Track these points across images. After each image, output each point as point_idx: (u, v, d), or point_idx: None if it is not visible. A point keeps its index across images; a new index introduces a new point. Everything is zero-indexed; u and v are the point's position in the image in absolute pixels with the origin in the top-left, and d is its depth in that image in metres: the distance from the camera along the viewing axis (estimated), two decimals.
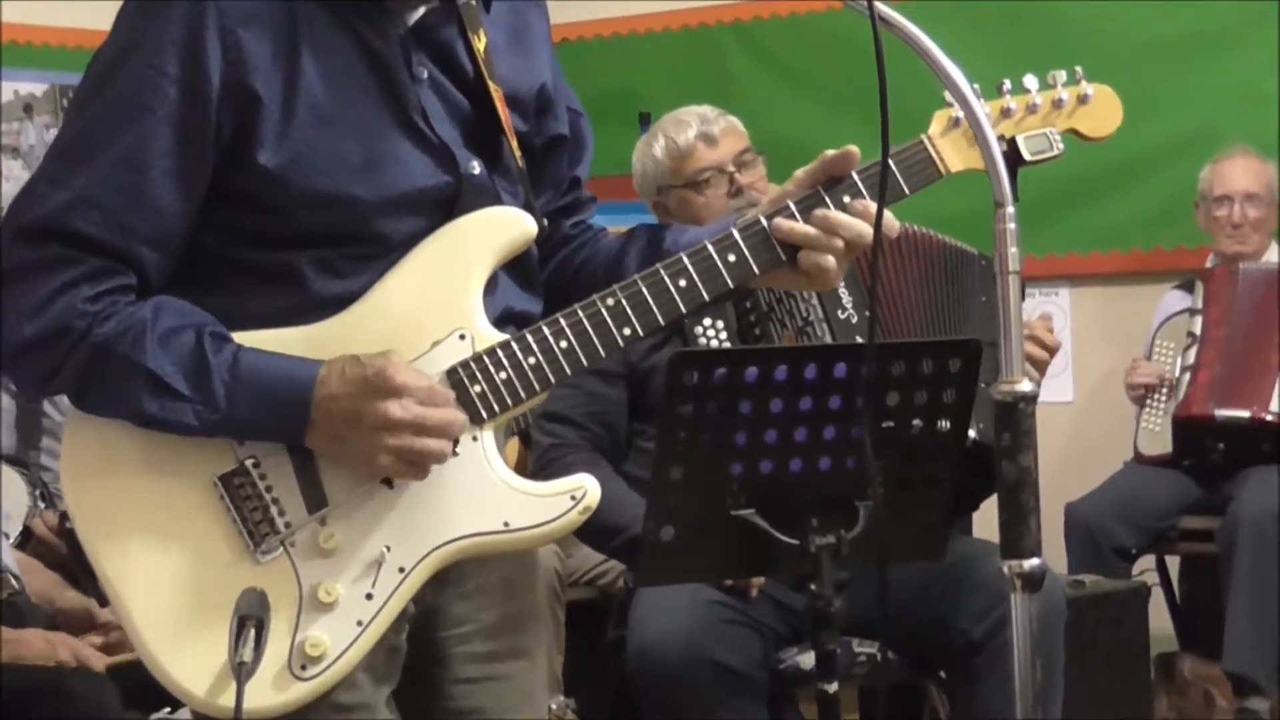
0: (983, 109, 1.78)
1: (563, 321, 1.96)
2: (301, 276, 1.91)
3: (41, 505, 4.11)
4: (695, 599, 3.29)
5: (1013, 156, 2.11)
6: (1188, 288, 4.88)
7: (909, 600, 3.24)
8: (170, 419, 1.85)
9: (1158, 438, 4.74)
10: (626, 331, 1.99)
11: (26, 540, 3.96)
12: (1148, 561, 4.76)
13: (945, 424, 2.63)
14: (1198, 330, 4.75)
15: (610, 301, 1.97)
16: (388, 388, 1.83)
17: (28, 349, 1.86)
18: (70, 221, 1.85)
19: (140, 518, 1.89)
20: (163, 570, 1.87)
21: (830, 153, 2.04)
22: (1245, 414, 4.60)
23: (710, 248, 2.01)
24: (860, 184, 2.04)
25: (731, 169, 3.56)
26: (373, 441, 1.84)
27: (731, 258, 2.03)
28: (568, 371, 1.96)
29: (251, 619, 1.83)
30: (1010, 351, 1.69)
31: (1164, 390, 4.77)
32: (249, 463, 1.89)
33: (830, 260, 2.02)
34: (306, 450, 1.88)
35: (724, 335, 3.39)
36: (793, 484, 2.52)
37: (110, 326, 1.85)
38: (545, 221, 2.03)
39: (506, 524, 1.92)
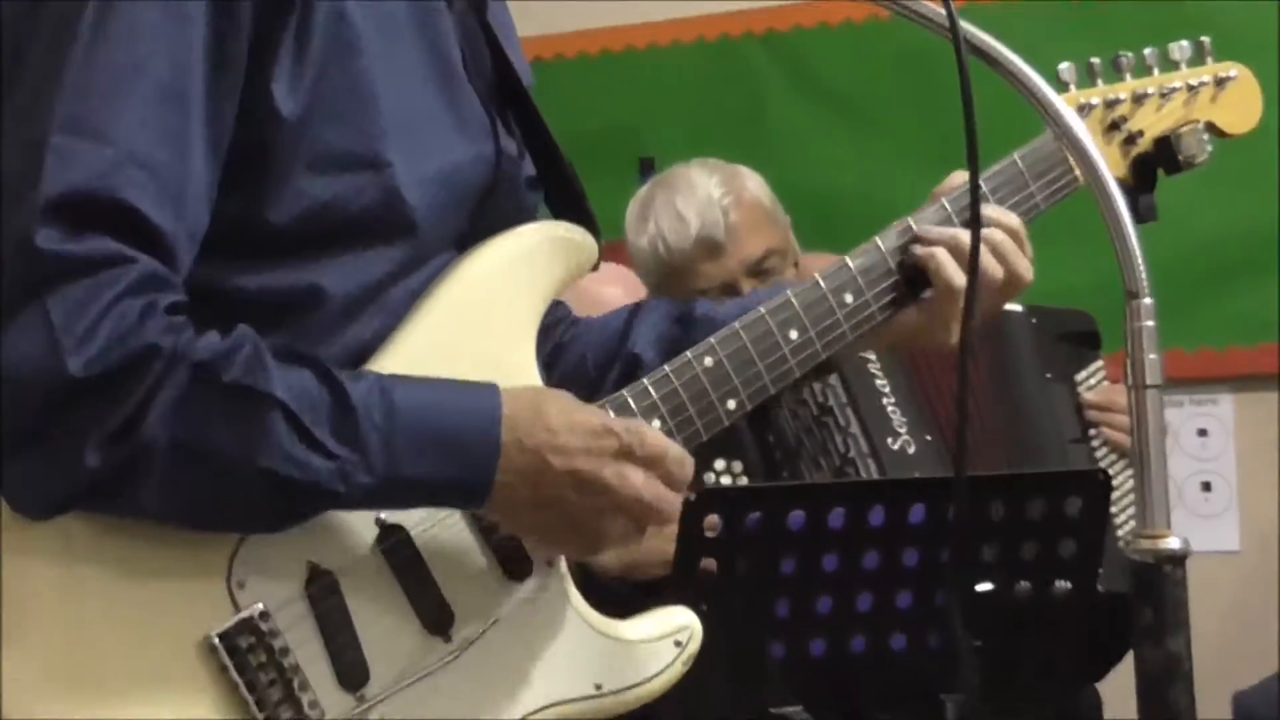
0: (1100, 152, 1.80)
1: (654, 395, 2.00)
2: (320, 294, 1.89)
3: None
4: None
5: (1158, 160, 2.16)
6: None
7: None
8: (304, 481, 1.76)
9: None
10: (731, 404, 2.03)
11: None
12: None
13: (1064, 585, 2.64)
14: None
15: (709, 361, 2.01)
16: (641, 450, 1.86)
17: (77, 397, 1.70)
18: (116, 185, 1.74)
19: (94, 696, 1.78)
20: None
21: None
22: None
23: (822, 283, 2.08)
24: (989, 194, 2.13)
25: (744, 286, 3.56)
26: (598, 521, 1.86)
27: (849, 297, 2.09)
28: None
29: None
30: (1153, 493, 1.70)
31: None
32: (256, 614, 1.83)
33: (962, 280, 2.06)
34: (331, 593, 1.86)
35: (743, 479, 3.37)
36: (855, 671, 2.54)
37: (208, 345, 1.75)
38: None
39: (599, 686, 1.95)
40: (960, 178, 2.15)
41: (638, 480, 1.85)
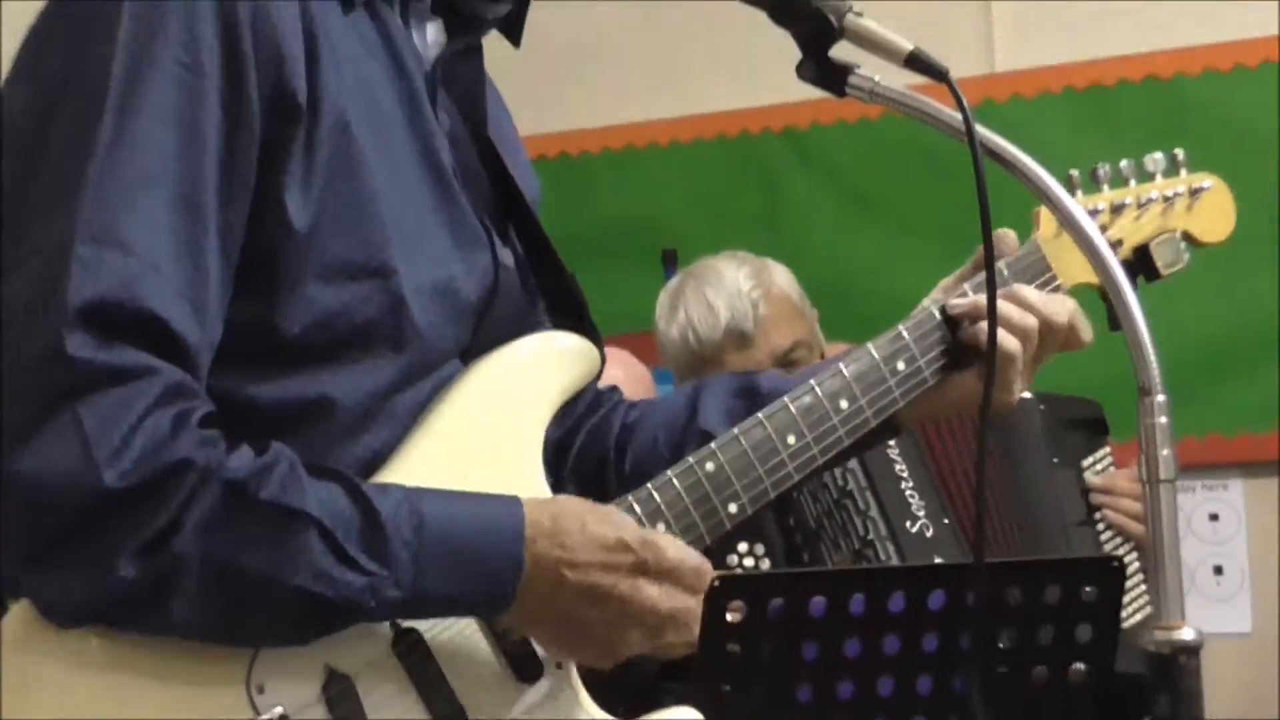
0: (1123, 273, 1.81)
1: (658, 499, 2.00)
2: (331, 405, 1.89)
3: None
4: None
5: (1140, 266, 2.17)
6: None
7: None
8: (334, 598, 1.77)
9: None
10: (733, 508, 2.04)
11: None
12: None
13: (1080, 668, 2.64)
14: None
15: (710, 466, 2.02)
16: (657, 565, 1.87)
17: (110, 509, 1.70)
18: (140, 293, 1.74)
19: None
20: None
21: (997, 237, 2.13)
22: None
23: (874, 353, 2.12)
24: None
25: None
26: (616, 632, 1.88)
27: (901, 364, 2.12)
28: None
29: None
30: (1167, 585, 1.70)
31: None
32: (274, 717, 1.82)
33: (1016, 344, 2.08)
34: (348, 694, 1.85)
35: (765, 562, 3.38)
36: None
37: (243, 460, 1.76)
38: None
39: None
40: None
41: (653, 594, 1.87)
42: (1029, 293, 2.10)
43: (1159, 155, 2.22)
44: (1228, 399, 5.16)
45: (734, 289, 3.60)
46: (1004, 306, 2.08)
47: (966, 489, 3.32)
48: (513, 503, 1.86)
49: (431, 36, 2.04)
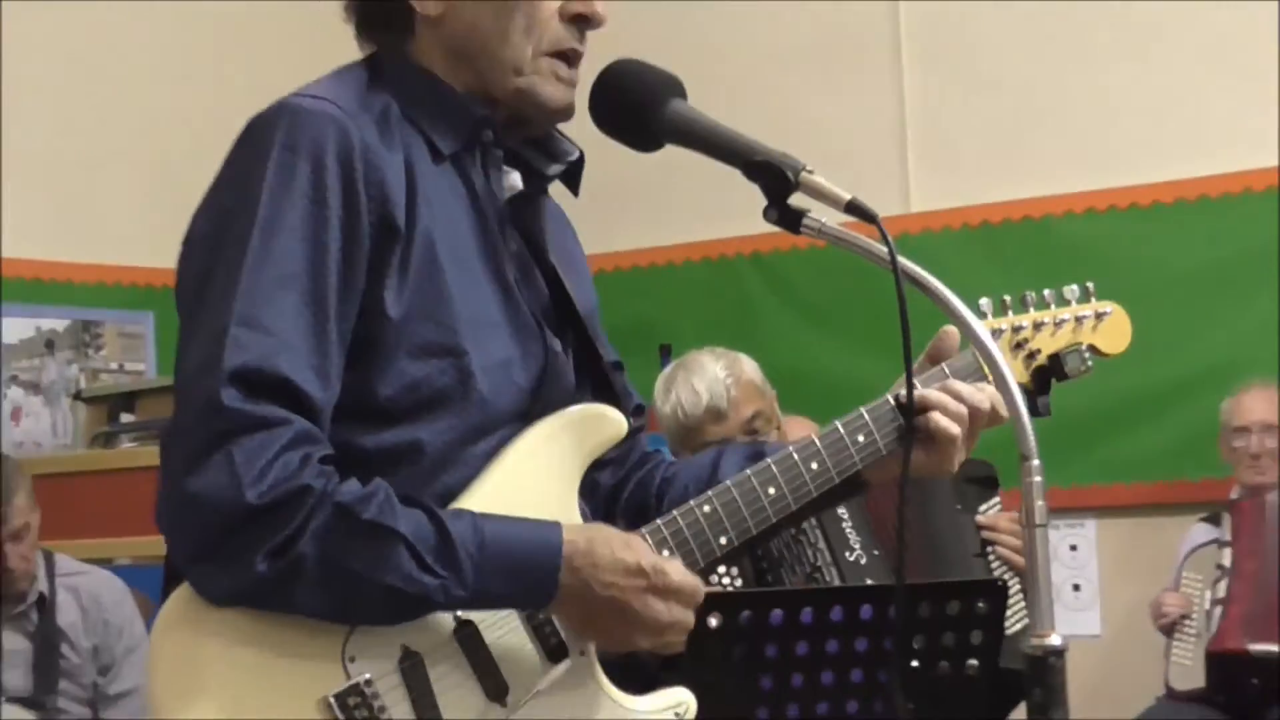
0: (1006, 364, 1.80)
1: (665, 532, 1.97)
2: (420, 449, 1.89)
3: None
4: None
5: (1051, 371, 2.16)
6: (1214, 520, 4.91)
7: None
8: (415, 593, 1.78)
9: (1189, 672, 4.71)
10: (723, 540, 2.00)
11: None
12: None
13: (973, 664, 2.62)
14: (1227, 562, 4.76)
15: (707, 508, 1.99)
16: (663, 586, 1.85)
17: (252, 521, 1.73)
18: (277, 363, 1.77)
19: None
20: None
21: (940, 335, 2.11)
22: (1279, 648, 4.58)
23: (841, 428, 2.05)
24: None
25: (741, 439, 3.51)
26: (627, 634, 1.87)
27: (861, 438, 2.07)
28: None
29: None
30: (1040, 603, 1.69)
31: (1194, 623, 4.75)
32: (361, 681, 1.82)
33: (955, 428, 2.04)
34: (418, 668, 1.85)
35: (738, 581, 3.38)
36: None
37: (350, 490, 1.77)
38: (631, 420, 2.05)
39: None
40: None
41: (660, 608, 1.85)
42: (960, 386, 2.08)
43: (1075, 286, 2.22)
44: (1086, 459, 5.16)
45: (712, 377, 3.59)
46: (942, 398, 2.06)
47: (891, 528, 3.31)
48: (554, 527, 1.85)
49: (509, 181, 2.03)
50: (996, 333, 2.16)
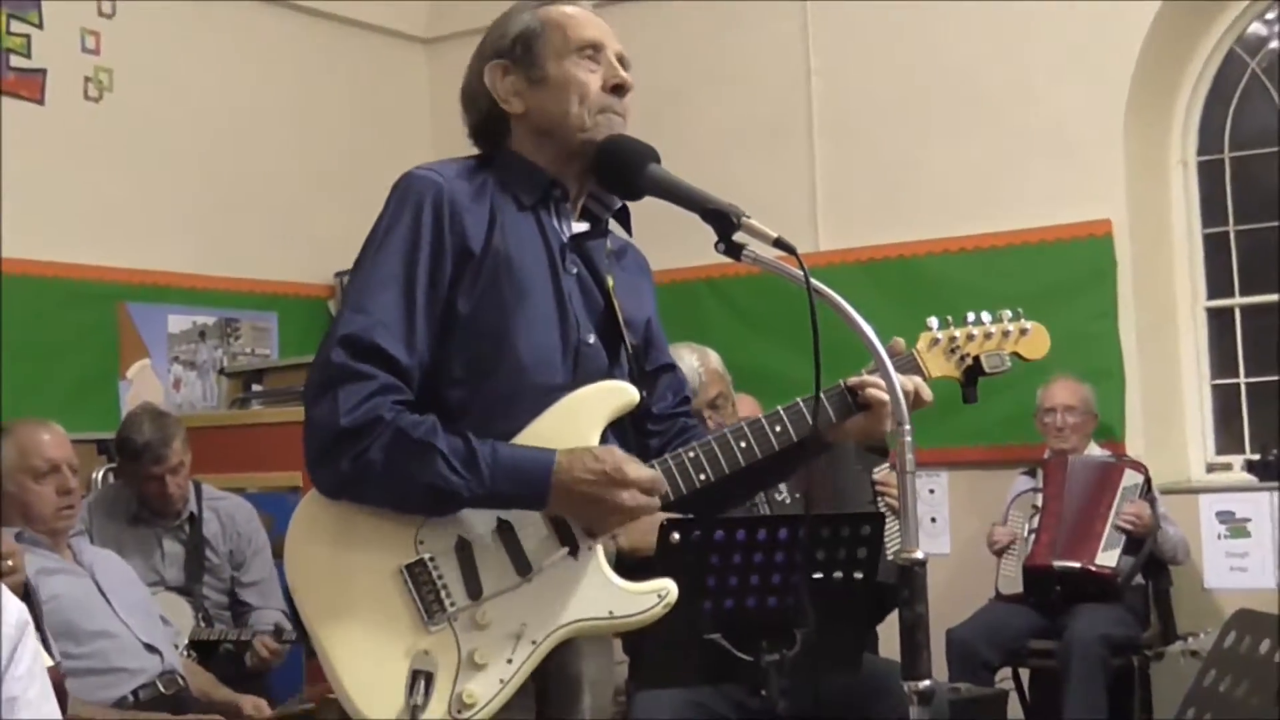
0: (885, 355, 1.78)
1: (658, 468, 1.94)
2: (485, 400, 1.92)
3: (203, 625, 4.07)
4: (675, 700, 3.24)
5: (975, 369, 2.13)
6: (1032, 473, 4.95)
7: (835, 703, 3.18)
8: (447, 488, 1.83)
9: (1012, 581, 4.76)
10: (702, 477, 1.96)
11: (204, 654, 3.91)
12: (1006, 673, 4.71)
13: (859, 574, 2.62)
14: (1039, 503, 4.81)
15: (691, 454, 1.97)
16: (623, 479, 1.85)
17: (343, 437, 1.82)
18: (373, 335, 1.86)
19: (342, 591, 1.86)
20: (358, 632, 1.85)
21: (891, 343, 2.06)
22: (1077, 565, 4.63)
23: (800, 402, 2.01)
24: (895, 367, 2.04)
25: (706, 414, 3.48)
26: (604, 517, 1.88)
27: (778, 427, 2.01)
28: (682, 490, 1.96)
29: (423, 673, 1.82)
30: (909, 528, 1.68)
31: (1016, 547, 4.79)
32: (427, 557, 1.87)
33: (885, 396, 1.98)
34: (467, 550, 1.87)
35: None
36: (749, 616, 2.51)
37: (409, 419, 1.84)
38: (646, 394, 2.04)
39: (611, 613, 1.91)
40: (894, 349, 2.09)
41: (624, 495, 1.86)
42: (895, 375, 2.04)
43: (1009, 311, 2.16)
44: (941, 428, 5.16)
45: (688, 366, 3.56)
46: (876, 379, 2.01)
47: (811, 482, 3.30)
48: (551, 450, 1.87)
49: (575, 226, 2.05)
50: (935, 341, 2.12)
